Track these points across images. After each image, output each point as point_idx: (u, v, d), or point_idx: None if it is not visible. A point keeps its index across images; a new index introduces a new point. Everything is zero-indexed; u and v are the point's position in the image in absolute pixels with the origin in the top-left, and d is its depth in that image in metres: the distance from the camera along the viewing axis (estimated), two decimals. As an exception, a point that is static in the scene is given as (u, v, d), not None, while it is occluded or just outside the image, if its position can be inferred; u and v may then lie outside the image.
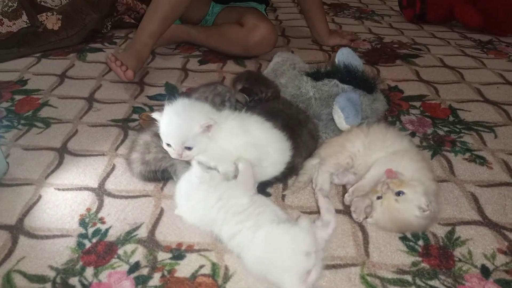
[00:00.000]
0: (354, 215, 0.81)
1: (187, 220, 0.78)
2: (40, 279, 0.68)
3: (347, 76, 1.02)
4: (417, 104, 1.27)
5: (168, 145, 0.79)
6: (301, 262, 0.65)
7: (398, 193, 0.75)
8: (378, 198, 0.77)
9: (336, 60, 1.09)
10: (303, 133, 0.95)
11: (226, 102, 1.03)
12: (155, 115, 0.81)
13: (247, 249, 0.68)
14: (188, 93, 1.26)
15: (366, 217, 0.80)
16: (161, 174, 0.90)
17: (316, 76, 1.07)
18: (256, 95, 1.03)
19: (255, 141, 0.83)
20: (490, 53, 1.70)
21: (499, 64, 1.58)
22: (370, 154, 0.86)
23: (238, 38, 1.51)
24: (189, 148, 0.78)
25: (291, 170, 0.92)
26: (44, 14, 1.65)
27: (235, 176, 0.80)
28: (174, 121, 0.78)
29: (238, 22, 1.55)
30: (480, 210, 0.85)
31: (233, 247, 0.71)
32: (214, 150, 0.81)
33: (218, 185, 0.76)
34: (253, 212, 0.71)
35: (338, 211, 0.84)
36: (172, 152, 0.79)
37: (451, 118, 1.19)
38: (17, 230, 0.78)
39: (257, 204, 0.73)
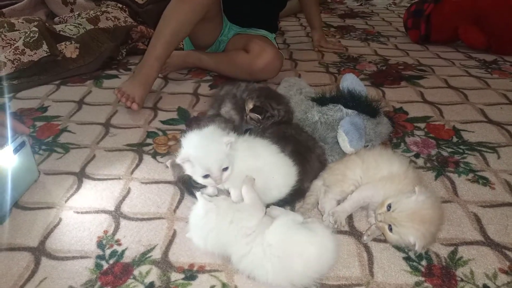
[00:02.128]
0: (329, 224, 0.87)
1: (203, 248, 0.80)
2: (61, 298, 0.72)
3: (351, 101, 1.06)
4: (422, 125, 1.30)
5: (205, 177, 0.81)
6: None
7: (390, 227, 0.80)
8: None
9: (341, 86, 1.13)
10: (312, 159, 0.99)
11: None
12: (178, 160, 0.83)
13: (263, 262, 0.72)
14: (197, 118, 1.32)
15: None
16: None
17: (321, 101, 1.11)
18: (267, 112, 1.07)
19: (261, 165, 0.88)
20: (495, 73, 1.73)
21: (503, 84, 1.61)
22: (369, 178, 0.90)
23: (244, 64, 1.58)
24: (225, 169, 0.82)
25: (300, 193, 0.95)
26: (63, 43, 1.74)
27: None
28: (208, 148, 0.81)
29: (245, 48, 1.61)
30: (482, 230, 0.87)
31: (245, 267, 0.75)
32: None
33: (227, 210, 0.79)
34: (260, 230, 0.76)
35: (344, 233, 0.87)
36: (210, 182, 0.82)
37: (454, 139, 1.22)
38: (39, 251, 0.82)
39: (264, 222, 0.78)
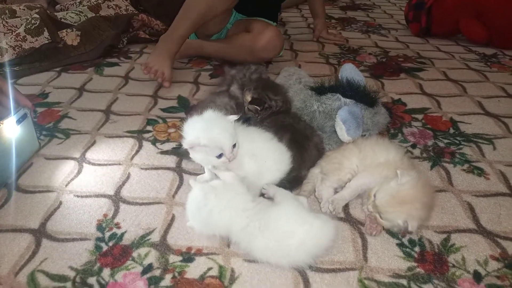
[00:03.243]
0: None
1: (205, 232, 0.82)
2: (61, 278, 0.74)
3: (349, 90, 1.07)
4: (419, 116, 1.31)
5: (218, 156, 0.83)
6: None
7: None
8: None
9: (339, 76, 1.14)
10: (310, 147, 1.00)
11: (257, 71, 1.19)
12: (186, 145, 0.85)
13: (258, 235, 0.75)
14: (196, 105, 1.34)
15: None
16: None
17: (320, 90, 1.12)
18: (265, 103, 1.09)
19: (255, 150, 0.90)
20: (494, 66, 1.74)
21: (501, 78, 1.61)
22: (366, 166, 0.92)
23: (245, 44, 1.60)
24: (234, 146, 0.84)
25: (297, 181, 0.97)
26: (64, 30, 1.74)
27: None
28: (219, 127, 0.83)
29: (246, 30, 1.64)
30: (475, 219, 0.89)
31: (243, 240, 0.77)
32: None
33: (224, 190, 0.82)
34: (260, 209, 0.79)
35: (339, 219, 0.89)
36: (223, 161, 0.83)
37: (451, 131, 1.23)
38: (40, 233, 0.84)
39: (263, 203, 0.82)
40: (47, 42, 1.66)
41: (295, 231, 0.75)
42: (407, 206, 0.80)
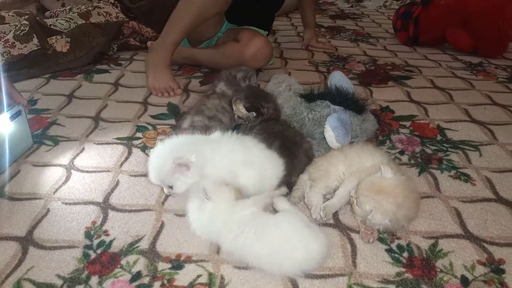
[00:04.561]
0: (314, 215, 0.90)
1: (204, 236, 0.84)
2: (48, 286, 0.73)
3: (338, 98, 1.08)
4: (407, 123, 1.33)
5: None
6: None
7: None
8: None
9: (328, 83, 1.15)
10: (300, 153, 1.01)
11: (248, 79, 1.25)
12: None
13: (253, 241, 0.76)
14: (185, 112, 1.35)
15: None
16: None
17: (309, 97, 1.13)
18: (258, 110, 1.09)
19: (253, 158, 0.91)
20: (479, 74, 1.77)
21: (487, 86, 1.65)
22: (353, 173, 0.93)
23: (234, 53, 1.60)
24: (171, 187, 0.88)
25: (288, 187, 0.97)
26: (54, 37, 1.73)
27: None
28: (152, 162, 0.89)
29: (234, 39, 1.64)
30: (462, 224, 0.90)
31: (236, 248, 0.77)
32: (215, 173, 0.87)
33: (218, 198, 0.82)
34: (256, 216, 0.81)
35: (329, 225, 0.89)
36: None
37: (438, 137, 1.25)
38: (26, 241, 0.83)
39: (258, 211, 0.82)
40: (36, 48, 1.65)
41: (291, 242, 0.75)
42: (381, 196, 0.82)
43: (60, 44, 1.73)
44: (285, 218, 0.81)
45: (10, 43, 1.61)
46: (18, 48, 1.62)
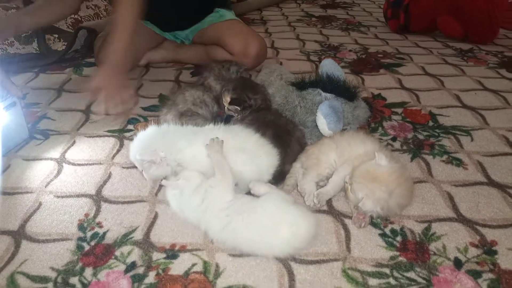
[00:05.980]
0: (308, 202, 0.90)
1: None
2: (42, 279, 0.73)
3: (329, 85, 1.08)
4: (399, 110, 1.33)
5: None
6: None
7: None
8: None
9: (320, 71, 1.15)
10: (292, 142, 1.01)
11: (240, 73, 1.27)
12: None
13: (242, 228, 0.76)
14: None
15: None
16: None
17: (301, 86, 1.13)
18: (245, 102, 1.09)
19: (245, 145, 0.91)
20: (470, 60, 1.78)
21: (478, 71, 1.65)
22: (345, 160, 0.93)
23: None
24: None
25: (282, 175, 0.97)
26: (52, 36, 1.70)
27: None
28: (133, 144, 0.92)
29: (219, 43, 1.54)
30: (455, 208, 0.90)
31: (227, 237, 0.77)
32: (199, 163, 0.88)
33: (199, 188, 0.82)
34: (241, 205, 0.79)
35: (322, 211, 0.89)
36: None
37: (430, 123, 1.25)
38: (19, 235, 0.82)
39: (244, 199, 0.82)
40: (34, 52, 1.62)
41: (277, 221, 0.75)
42: (374, 184, 0.83)
43: (57, 46, 1.70)
44: (268, 199, 0.81)
45: (9, 41, 1.58)
46: (16, 48, 1.60)
